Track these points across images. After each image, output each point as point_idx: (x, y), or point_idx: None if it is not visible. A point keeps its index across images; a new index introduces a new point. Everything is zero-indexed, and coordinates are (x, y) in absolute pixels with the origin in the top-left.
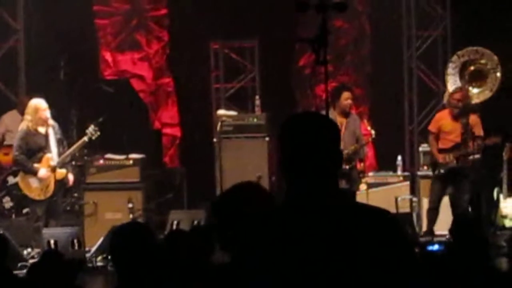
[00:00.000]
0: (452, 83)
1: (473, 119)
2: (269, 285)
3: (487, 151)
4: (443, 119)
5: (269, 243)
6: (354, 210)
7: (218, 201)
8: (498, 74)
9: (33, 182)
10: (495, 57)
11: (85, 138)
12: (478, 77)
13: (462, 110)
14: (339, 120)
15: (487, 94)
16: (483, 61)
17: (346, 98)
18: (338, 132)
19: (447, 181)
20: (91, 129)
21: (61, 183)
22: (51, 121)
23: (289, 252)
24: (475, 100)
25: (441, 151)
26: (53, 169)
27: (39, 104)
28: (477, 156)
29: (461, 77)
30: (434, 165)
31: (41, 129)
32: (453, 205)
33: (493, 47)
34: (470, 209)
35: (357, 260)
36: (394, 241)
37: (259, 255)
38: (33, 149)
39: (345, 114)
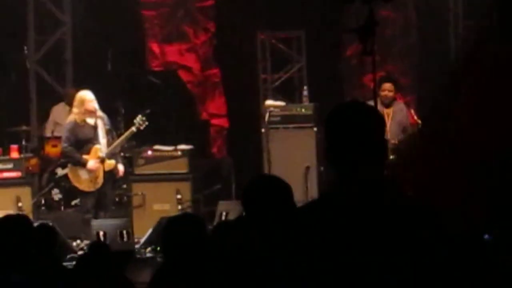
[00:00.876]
0: None
1: None
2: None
3: None
4: None
5: (312, 235)
6: (398, 203)
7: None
8: None
9: (82, 173)
10: None
11: (133, 128)
12: None
13: None
14: (382, 110)
15: None
16: None
17: (384, 90)
18: (383, 122)
19: None
20: (138, 119)
21: (110, 174)
22: (99, 112)
23: (331, 244)
24: None
25: None
26: (102, 160)
27: (85, 95)
28: None
29: None
30: None
31: (90, 120)
32: None
33: None
34: None
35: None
36: (434, 232)
37: (302, 245)
38: (81, 140)
39: (385, 104)
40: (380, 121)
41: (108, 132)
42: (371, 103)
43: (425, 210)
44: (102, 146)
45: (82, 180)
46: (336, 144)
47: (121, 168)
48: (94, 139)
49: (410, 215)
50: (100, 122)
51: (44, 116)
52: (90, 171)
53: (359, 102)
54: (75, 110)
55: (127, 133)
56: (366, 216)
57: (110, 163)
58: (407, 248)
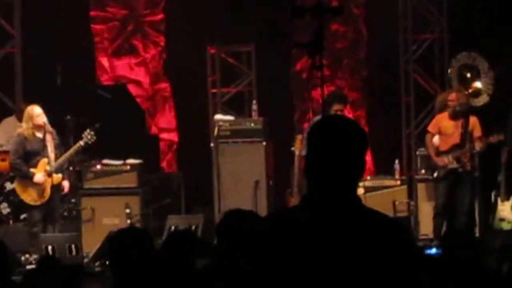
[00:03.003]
0: (454, 86)
1: (473, 120)
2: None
3: (484, 154)
4: (443, 121)
5: (279, 243)
6: (367, 216)
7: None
8: (490, 79)
9: (30, 187)
10: (486, 63)
11: (81, 143)
12: (464, 83)
13: (459, 111)
14: None
15: (485, 98)
16: (475, 66)
17: (336, 110)
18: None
19: (450, 184)
20: (87, 133)
21: (58, 189)
22: (48, 127)
23: (298, 253)
24: (475, 104)
25: (440, 153)
26: (50, 174)
27: (33, 110)
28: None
29: (458, 80)
30: (433, 168)
31: (38, 134)
32: (456, 208)
33: (489, 50)
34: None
35: (365, 264)
36: (405, 246)
37: (268, 254)
38: (29, 153)
39: None
40: (362, 139)
41: (56, 147)
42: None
43: (394, 224)
44: (50, 160)
45: (30, 194)
46: (314, 155)
47: (66, 184)
48: (42, 153)
49: (380, 228)
50: (48, 136)
51: None
52: (37, 185)
53: (346, 118)
54: (23, 124)
55: (75, 147)
56: (332, 227)
57: (58, 177)
58: (374, 261)
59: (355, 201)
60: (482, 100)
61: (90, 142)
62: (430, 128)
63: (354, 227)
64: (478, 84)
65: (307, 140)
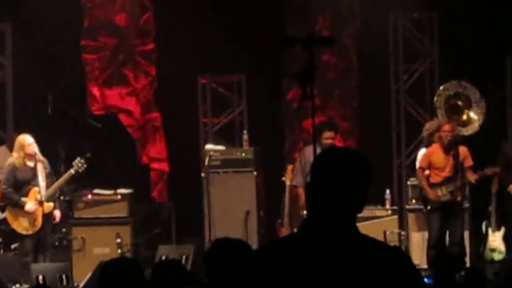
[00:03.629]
0: (441, 116)
1: (463, 150)
2: None
3: (474, 184)
4: (433, 154)
5: (278, 272)
6: (368, 245)
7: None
8: (482, 108)
9: (21, 216)
10: (478, 92)
11: (72, 171)
12: (456, 112)
13: (452, 142)
14: None
15: (475, 127)
16: (465, 95)
17: (326, 138)
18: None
19: (443, 216)
20: (77, 161)
21: (49, 218)
22: (40, 156)
23: (297, 282)
24: (463, 133)
25: (432, 185)
26: (41, 203)
27: (24, 139)
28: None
29: (446, 109)
30: (425, 200)
31: (29, 163)
32: (449, 239)
33: (480, 80)
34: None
35: None
36: (408, 275)
37: (267, 283)
38: (20, 182)
39: None
40: (366, 172)
41: (47, 176)
42: (311, 148)
43: (395, 252)
44: (41, 188)
45: (21, 223)
46: (317, 185)
47: (57, 214)
48: (33, 182)
49: (381, 256)
50: (40, 166)
51: None
52: (28, 213)
53: (352, 151)
54: (14, 153)
55: (65, 176)
56: (332, 257)
57: (49, 205)
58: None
59: (354, 230)
60: (471, 129)
61: (80, 171)
62: (421, 163)
63: (354, 256)
64: (471, 114)
65: (311, 169)
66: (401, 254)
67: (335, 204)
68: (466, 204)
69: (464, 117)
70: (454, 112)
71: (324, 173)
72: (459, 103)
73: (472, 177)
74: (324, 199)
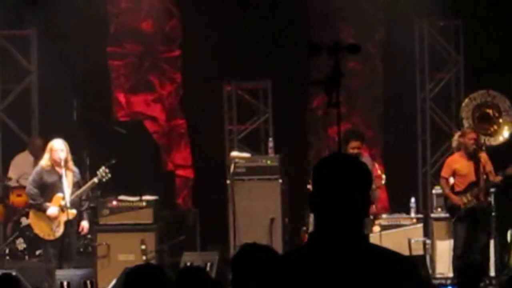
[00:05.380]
0: (467, 126)
1: (483, 156)
2: None
3: (498, 192)
4: (456, 163)
5: (290, 283)
6: (375, 254)
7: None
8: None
9: (43, 221)
10: (507, 101)
11: (95, 180)
12: (486, 121)
13: (477, 149)
14: None
15: (500, 139)
16: (494, 104)
17: (353, 148)
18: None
19: (469, 225)
20: (101, 170)
21: (73, 225)
22: (71, 165)
23: None
24: (491, 143)
25: (457, 193)
26: (63, 209)
27: (53, 144)
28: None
29: (473, 119)
30: (452, 208)
31: (58, 169)
32: (471, 246)
33: (506, 89)
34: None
35: None
36: (412, 285)
37: None
38: (46, 186)
39: None
40: (366, 177)
41: (75, 185)
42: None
43: (403, 262)
44: (66, 195)
45: (42, 228)
46: (319, 193)
47: (85, 225)
48: (58, 188)
49: (388, 266)
50: (68, 173)
51: (7, 165)
52: (50, 219)
53: (350, 156)
54: (45, 155)
55: (88, 184)
56: (340, 266)
57: (72, 212)
58: None
59: (361, 239)
60: (502, 138)
61: (104, 180)
62: (443, 173)
63: (361, 266)
64: (502, 123)
65: (312, 177)
66: (408, 264)
67: (338, 212)
68: (493, 211)
69: (495, 126)
70: (484, 121)
71: (325, 181)
72: (489, 112)
73: (496, 178)
74: (327, 207)
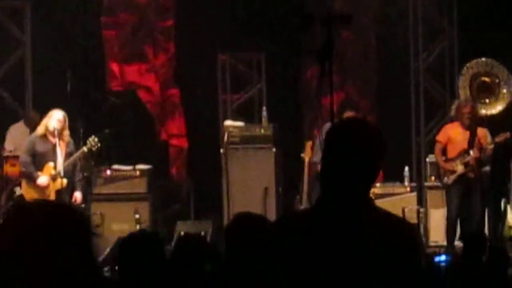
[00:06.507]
0: (463, 95)
1: (481, 131)
2: None
3: (493, 161)
4: (453, 129)
5: (292, 249)
6: (380, 218)
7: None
8: (510, 86)
9: (34, 189)
10: (506, 70)
11: (84, 148)
12: (486, 90)
13: (472, 121)
14: None
15: (498, 108)
16: (493, 73)
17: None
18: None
19: (461, 194)
20: (91, 139)
21: (64, 194)
22: (65, 136)
23: (311, 256)
24: (483, 112)
25: (448, 160)
26: (54, 178)
27: (52, 113)
28: (483, 167)
29: (471, 89)
30: (441, 175)
31: (51, 138)
32: (465, 216)
33: (500, 60)
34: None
35: (374, 265)
36: (412, 249)
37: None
38: (38, 154)
39: None
40: (376, 143)
41: (67, 155)
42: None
43: (403, 226)
44: (58, 165)
45: (34, 197)
46: (330, 159)
47: (78, 195)
48: (50, 157)
49: (390, 231)
50: (62, 143)
51: (2, 136)
52: (41, 188)
53: (363, 122)
54: (42, 122)
55: (78, 153)
56: (347, 231)
57: (62, 182)
58: (384, 263)
59: (368, 202)
60: (494, 109)
61: (94, 149)
62: (439, 137)
63: (365, 229)
64: (504, 91)
65: (324, 141)
66: (412, 229)
67: (348, 175)
68: (486, 181)
69: (493, 96)
70: (482, 90)
71: (337, 143)
72: (487, 80)
73: (488, 147)
74: (337, 170)
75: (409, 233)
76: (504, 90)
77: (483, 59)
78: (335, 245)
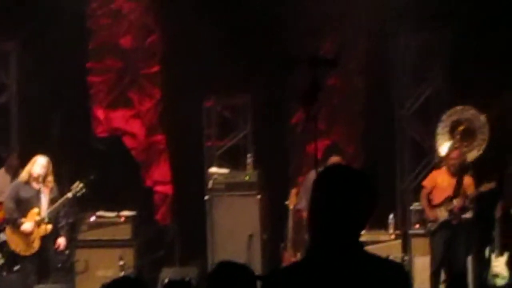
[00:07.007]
0: (441, 142)
1: (467, 179)
2: None
3: (478, 208)
4: (440, 176)
5: None
6: (371, 263)
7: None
8: (485, 134)
9: (18, 236)
10: (482, 116)
11: (69, 194)
12: (468, 136)
13: (459, 168)
14: None
15: (475, 154)
16: (471, 120)
17: (333, 163)
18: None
19: (445, 240)
20: (75, 185)
21: (49, 240)
22: (49, 182)
23: None
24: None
25: (434, 207)
26: (38, 224)
27: (36, 159)
28: (468, 215)
29: (452, 136)
30: (426, 221)
31: (35, 184)
32: (450, 262)
33: (487, 105)
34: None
35: None
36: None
37: None
38: (22, 200)
39: None
40: (361, 186)
41: (51, 201)
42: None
43: (395, 269)
44: (42, 211)
45: (18, 243)
46: (318, 206)
47: (62, 241)
48: (34, 203)
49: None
50: (45, 189)
51: None
52: (25, 234)
53: (351, 169)
54: (26, 168)
55: (62, 199)
56: (342, 281)
57: (47, 228)
58: None
59: (359, 249)
60: (471, 156)
61: (78, 195)
62: (425, 183)
63: (360, 275)
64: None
65: (313, 186)
66: (402, 271)
67: (337, 223)
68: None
69: (471, 142)
70: (465, 137)
71: (326, 190)
72: (464, 128)
73: (470, 193)
74: (326, 217)
75: (402, 275)
76: (480, 137)
77: (461, 106)
78: None
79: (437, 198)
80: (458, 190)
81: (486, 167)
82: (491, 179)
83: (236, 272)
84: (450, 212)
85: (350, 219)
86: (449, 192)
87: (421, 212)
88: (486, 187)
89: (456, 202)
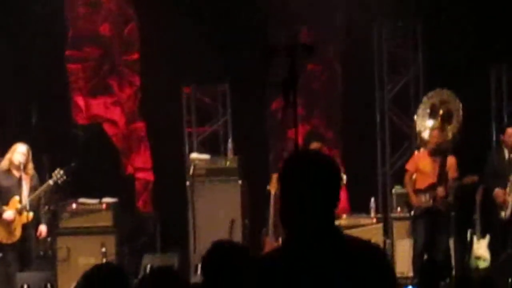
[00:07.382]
0: (420, 124)
1: (450, 160)
2: None
3: (459, 192)
4: (421, 159)
5: (270, 282)
6: (349, 246)
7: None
8: (459, 117)
9: (1, 225)
10: (458, 100)
11: (50, 182)
12: (448, 117)
13: (438, 148)
14: None
15: (447, 135)
16: (449, 101)
17: (313, 149)
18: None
19: (428, 224)
20: (56, 172)
21: (31, 228)
22: (30, 169)
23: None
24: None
25: (418, 191)
26: (20, 212)
27: (17, 146)
28: (449, 198)
29: (433, 117)
30: (409, 206)
31: (15, 172)
32: (433, 246)
33: (465, 89)
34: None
35: None
36: (385, 272)
37: None
38: (2, 189)
39: None
40: (332, 172)
41: (32, 189)
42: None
43: (373, 251)
44: (23, 198)
45: (0, 232)
46: (289, 194)
47: (43, 229)
48: (15, 192)
49: (359, 258)
50: (26, 177)
51: None
52: (6, 222)
53: (314, 152)
54: (6, 156)
55: (43, 186)
56: (318, 261)
57: (28, 216)
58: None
59: (335, 232)
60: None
61: (59, 182)
62: (408, 166)
63: (339, 259)
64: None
65: (279, 177)
66: (380, 252)
67: (308, 209)
68: (452, 212)
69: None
70: (448, 117)
71: (291, 180)
72: (440, 111)
73: (453, 184)
74: (296, 205)
75: (380, 256)
76: (456, 119)
77: (439, 89)
78: (312, 283)
79: (420, 182)
80: (441, 175)
81: (468, 152)
82: (474, 171)
83: (234, 253)
84: (434, 199)
85: (320, 203)
86: (432, 178)
87: (402, 195)
88: (469, 179)
89: (439, 192)
